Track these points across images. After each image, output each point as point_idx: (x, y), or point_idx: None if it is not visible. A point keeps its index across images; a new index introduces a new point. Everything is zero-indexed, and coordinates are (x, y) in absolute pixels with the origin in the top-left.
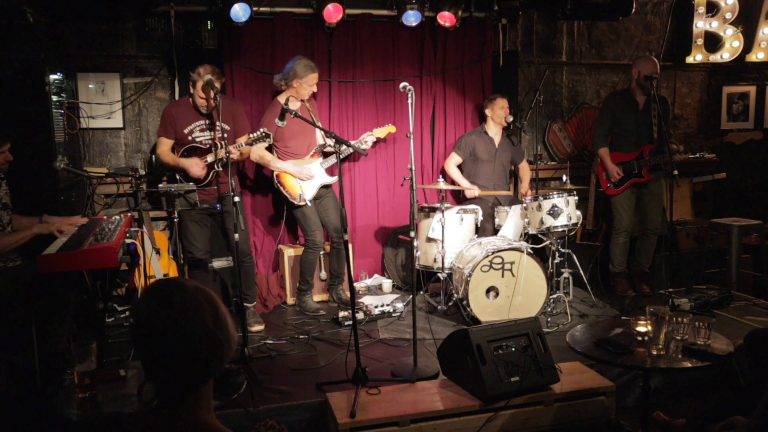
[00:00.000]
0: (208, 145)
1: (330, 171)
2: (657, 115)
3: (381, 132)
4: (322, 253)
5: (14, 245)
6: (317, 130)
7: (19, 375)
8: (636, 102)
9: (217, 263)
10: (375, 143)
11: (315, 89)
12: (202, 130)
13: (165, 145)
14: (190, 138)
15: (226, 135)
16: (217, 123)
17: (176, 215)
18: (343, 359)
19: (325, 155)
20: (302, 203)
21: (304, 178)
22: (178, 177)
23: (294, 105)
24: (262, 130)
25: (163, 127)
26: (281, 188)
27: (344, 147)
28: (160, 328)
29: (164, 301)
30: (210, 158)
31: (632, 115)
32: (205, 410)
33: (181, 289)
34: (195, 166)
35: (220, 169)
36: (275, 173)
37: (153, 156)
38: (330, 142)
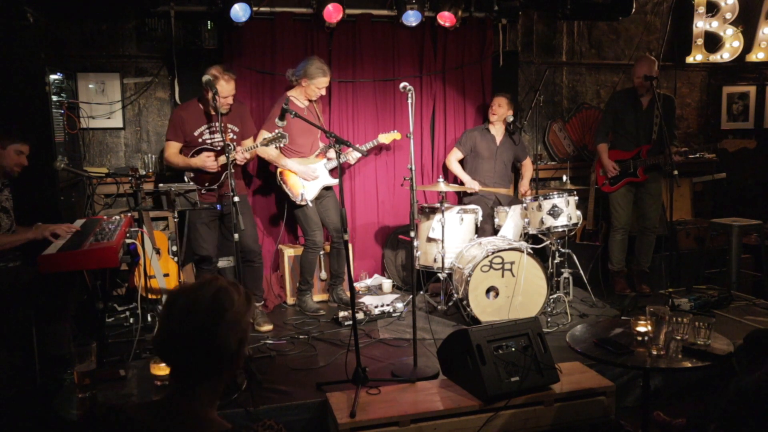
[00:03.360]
0: (218, 147)
1: (333, 173)
2: (659, 116)
3: (386, 138)
4: (322, 253)
5: (7, 246)
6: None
7: (19, 375)
8: (639, 102)
9: (221, 263)
10: (374, 148)
11: (323, 93)
12: (212, 132)
13: (173, 148)
14: (200, 141)
15: (235, 136)
16: (228, 125)
17: (176, 215)
18: (343, 359)
19: (330, 157)
20: (303, 203)
21: (309, 179)
22: (187, 180)
23: (301, 103)
24: (277, 131)
25: (172, 130)
26: (283, 186)
27: (353, 153)
28: (178, 304)
29: (198, 287)
30: (222, 160)
31: (634, 114)
32: (209, 406)
33: (216, 281)
34: (207, 160)
35: (233, 170)
36: (279, 170)
37: (160, 161)
38: (330, 145)
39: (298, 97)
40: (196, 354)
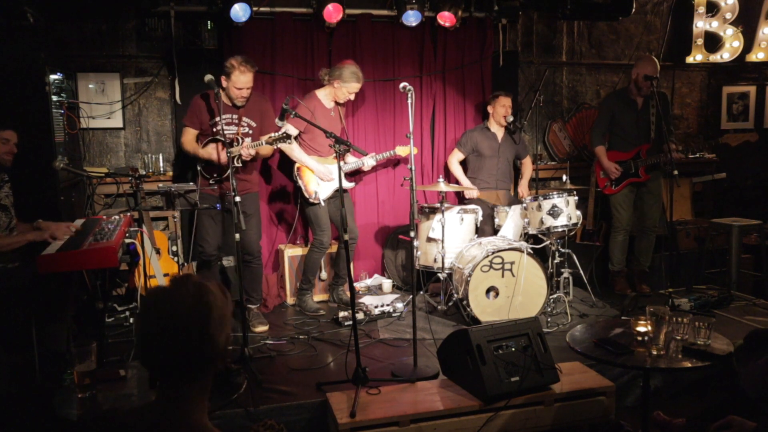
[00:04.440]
0: (230, 139)
1: (349, 176)
2: (656, 114)
3: (403, 151)
4: (327, 252)
5: (6, 248)
6: (344, 132)
7: (19, 375)
8: (635, 102)
9: (225, 261)
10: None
11: (352, 98)
12: (227, 124)
13: (189, 134)
14: (214, 130)
15: (251, 131)
16: (244, 119)
17: (175, 215)
18: (343, 359)
19: (348, 160)
20: (316, 201)
21: (325, 179)
22: (199, 168)
23: (327, 103)
24: (282, 131)
25: (189, 116)
26: (299, 180)
27: (369, 159)
28: (159, 306)
29: (175, 285)
30: (232, 151)
31: (631, 115)
32: (200, 411)
33: (191, 278)
34: (213, 152)
35: (239, 164)
36: (296, 165)
37: (167, 161)
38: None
39: (325, 97)
40: (184, 356)
